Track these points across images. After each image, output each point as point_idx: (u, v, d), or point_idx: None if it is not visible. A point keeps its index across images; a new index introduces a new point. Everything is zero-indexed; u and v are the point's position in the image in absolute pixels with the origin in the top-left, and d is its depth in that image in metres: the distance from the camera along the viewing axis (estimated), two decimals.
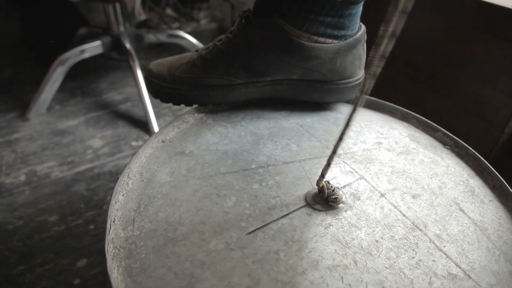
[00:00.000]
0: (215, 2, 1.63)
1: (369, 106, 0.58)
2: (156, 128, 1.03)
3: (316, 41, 0.47)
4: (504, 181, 0.43)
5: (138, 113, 1.12)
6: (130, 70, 1.16)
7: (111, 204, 0.38)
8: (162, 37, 1.25)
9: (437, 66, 0.81)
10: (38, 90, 1.10)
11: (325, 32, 0.46)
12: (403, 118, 0.55)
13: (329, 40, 0.47)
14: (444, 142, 0.51)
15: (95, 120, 1.09)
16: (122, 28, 1.19)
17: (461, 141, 0.50)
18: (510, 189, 0.42)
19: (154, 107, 1.10)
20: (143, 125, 1.06)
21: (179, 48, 1.33)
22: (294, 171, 0.42)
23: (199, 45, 1.29)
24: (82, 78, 1.30)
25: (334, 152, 0.33)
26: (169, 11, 1.78)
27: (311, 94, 0.52)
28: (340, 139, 0.32)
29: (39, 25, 1.35)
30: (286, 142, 0.47)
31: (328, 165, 0.35)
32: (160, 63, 0.55)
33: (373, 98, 0.57)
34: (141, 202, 0.38)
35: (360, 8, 0.47)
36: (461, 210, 0.40)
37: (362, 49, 0.51)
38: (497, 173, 0.44)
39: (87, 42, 1.15)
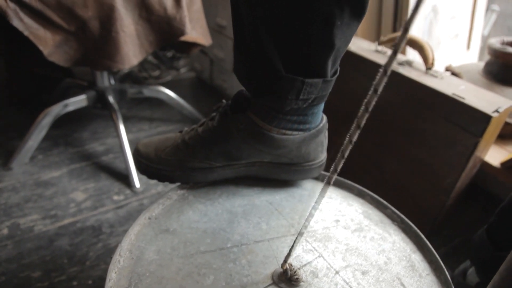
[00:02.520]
0: (195, 54, 1.73)
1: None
2: (137, 182, 1.09)
3: (284, 134, 0.55)
4: (438, 257, 0.52)
5: (119, 165, 1.18)
6: (112, 120, 1.22)
7: (106, 282, 0.44)
8: (144, 91, 1.33)
9: (394, 134, 0.91)
10: (23, 140, 1.14)
11: (291, 126, 0.55)
12: (359, 194, 0.64)
13: (295, 132, 0.56)
14: (393, 218, 0.60)
15: (78, 171, 1.14)
16: (107, 83, 1.26)
17: (406, 219, 0.58)
18: (443, 264, 0.50)
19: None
20: (125, 179, 1.12)
21: (159, 101, 1.41)
22: (264, 250, 0.50)
23: (179, 99, 1.37)
24: (65, 126, 1.35)
25: (299, 234, 0.41)
26: (150, 58, 1.87)
27: (280, 174, 0.61)
28: (305, 226, 0.40)
29: (24, 73, 1.40)
30: (258, 220, 0.55)
31: (292, 248, 0.42)
32: (148, 144, 0.62)
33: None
34: (132, 280, 0.45)
35: (322, 106, 0.56)
36: (402, 284, 0.48)
37: (324, 137, 0.60)
38: (433, 249, 0.53)
39: (71, 93, 1.21)
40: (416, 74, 0.85)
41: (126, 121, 1.40)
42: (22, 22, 0.82)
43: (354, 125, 0.33)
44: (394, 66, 0.88)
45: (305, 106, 0.52)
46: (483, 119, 0.74)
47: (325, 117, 0.59)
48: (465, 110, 0.76)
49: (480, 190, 1.13)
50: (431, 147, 0.84)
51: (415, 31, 1.12)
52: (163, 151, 0.60)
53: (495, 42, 1.06)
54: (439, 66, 1.27)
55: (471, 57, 1.50)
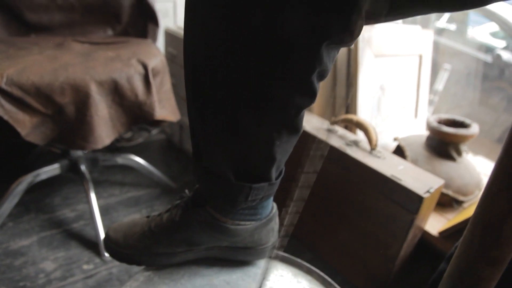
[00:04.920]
0: None
1: (282, 260, 0.74)
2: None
3: (238, 224, 0.63)
4: None
5: (89, 233, 1.22)
6: (83, 186, 1.28)
7: None
8: (117, 160, 1.39)
9: (345, 207, 1.01)
10: None
11: (244, 218, 0.63)
12: (308, 272, 0.72)
13: (248, 223, 0.64)
14: None
15: (48, 239, 1.18)
16: (80, 152, 1.32)
17: None
18: None
19: (104, 226, 1.21)
20: (94, 247, 1.16)
21: (130, 168, 1.48)
22: None
23: (149, 167, 1.44)
24: (37, 191, 1.39)
25: None
26: None
27: (236, 256, 0.68)
28: None
29: None
30: None
31: None
32: (117, 230, 0.69)
33: (285, 254, 0.74)
34: None
35: (270, 199, 0.65)
36: None
37: (274, 223, 0.68)
38: None
39: (44, 160, 1.26)
40: (362, 155, 0.97)
41: (97, 186, 1.45)
42: (2, 108, 0.90)
43: (290, 208, 0.41)
44: (342, 147, 0.99)
45: (254, 204, 0.60)
46: (416, 199, 0.84)
47: (275, 206, 0.68)
48: (402, 191, 0.87)
49: (428, 250, 1.23)
50: (376, 220, 0.94)
51: (364, 109, 1.25)
52: (131, 237, 0.67)
53: (433, 120, 1.20)
54: (388, 137, 1.41)
55: (419, 124, 1.65)
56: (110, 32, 1.42)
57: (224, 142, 0.52)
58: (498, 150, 0.34)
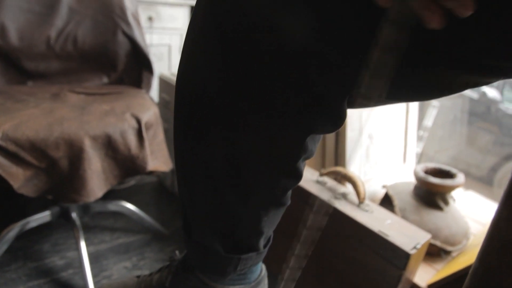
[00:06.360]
0: None
1: None
2: None
3: None
4: None
5: (78, 282, 1.21)
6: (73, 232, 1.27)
7: None
8: (108, 206, 1.40)
9: (335, 260, 1.02)
10: None
11: (234, 283, 0.64)
12: None
13: (237, 287, 0.65)
14: None
15: None
16: None
17: None
18: None
19: (93, 276, 1.20)
20: None
21: (122, 215, 1.48)
22: None
23: (140, 213, 1.44)
24: (26, 237, 1.38)
25: None
26: None
27: None
28: None
29: None
30: None
31: None
32: None
33: None
34: None
35: (259, 264, 0.66)
36: None
37: (263, 285, 0.69)
38: None
39: (35, 205, 1.26)
40: (350, 209, 0.99)
41: (88, 231, 1.45)
42: None
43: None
44: (331, 200, 1.01)
45: (243, 272, 0.62)
46: (403, 255, 0.86)
47: (263, 268, 0.69)
48: (389, 246, 0.88)
49: None
50: (365, 275, 0.95)
51: (353, 158, 1.28)
52: None
53: (419, 170, 1.23)
54: (377, 183, 1.43)
55: (408, 169, 1.68)
56: (105, 79, 1.45)
57: (212, 219, 0.53)
58: (483, 188, 0.36)
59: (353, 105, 0.46)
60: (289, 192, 0.53)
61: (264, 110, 0.41)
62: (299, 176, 0.49)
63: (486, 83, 0.45)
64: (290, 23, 0.35)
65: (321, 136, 0.51)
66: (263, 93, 0.40)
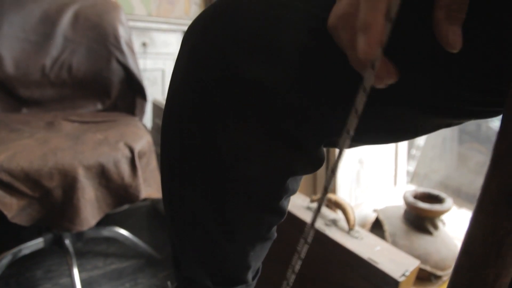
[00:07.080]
0: None
1: None
2: None
3: None
4: None
5: None
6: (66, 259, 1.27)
7: None
8: (102, 233, 1.40)
9: (325, 286, 1.03)
10: None
11: None
12: None
13: None
14: None
15: None
16: None
17: None
18: None
19: None
20: None
21: (115, 240, 1.49)
22: None
23: (134, 239, 1.45)
24: (18, 264, 1.37)
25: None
26: None
27: None
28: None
29: None
30: None
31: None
32: None
33: None
34: None
35: None
36: None
37: None
38: None
39: (28, 232, 1.27)
40: (340, 235, 1.00)
41: (81, 257, 1.45)
42: None
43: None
44: (321, 227, 1.03)
45: None
46: (392, 283, 0.87)
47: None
48: (378, 274, 0.89)
49: None
50: None
51: (343, 184, 1.30)
52: None
53: (409, 195, 1.25)
54: (368, 207, 1.45)
55: (399, 191, 1.70)
56: (99, 106, 1.48)
57: (200, 256, 0.55)
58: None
59: (327, 146, 0.49)
60: (274, 227, 0.55)
61: (245, 157, 0.43)
62: (282, 213, 0.51)
63: (459, 123, 0.48)
64: (274, 79, 0.38)
65: (302, 177, 0.53)
66: (243, 140, 0.42)
